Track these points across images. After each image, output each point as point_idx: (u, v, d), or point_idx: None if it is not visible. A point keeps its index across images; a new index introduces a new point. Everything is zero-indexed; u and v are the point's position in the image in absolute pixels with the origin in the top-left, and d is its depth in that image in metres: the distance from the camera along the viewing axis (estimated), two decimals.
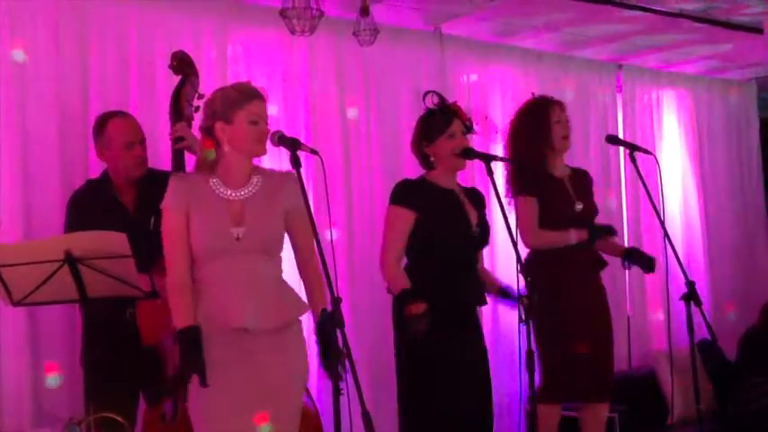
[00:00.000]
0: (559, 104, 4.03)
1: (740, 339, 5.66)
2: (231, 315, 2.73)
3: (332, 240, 2.78)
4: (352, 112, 4.73)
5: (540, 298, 3.78)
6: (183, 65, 3.41)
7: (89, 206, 3.41)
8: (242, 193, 2.84)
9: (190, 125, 3.33)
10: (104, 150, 3.46)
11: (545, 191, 3.92)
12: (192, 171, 3.04)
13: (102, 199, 3.43)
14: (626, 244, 5.54)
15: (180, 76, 3.41)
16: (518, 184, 3.95)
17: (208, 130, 2.84)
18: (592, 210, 4.05)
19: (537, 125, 3.95)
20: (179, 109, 3.35)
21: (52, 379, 3.62)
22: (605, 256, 4.11)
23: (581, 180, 4.10)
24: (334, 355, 2.61)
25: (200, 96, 3.22)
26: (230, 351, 2.72)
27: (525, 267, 3.91)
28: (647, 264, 3.95)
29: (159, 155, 3.71)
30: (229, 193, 2.83)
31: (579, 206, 3.97)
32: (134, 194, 3.43)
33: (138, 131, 3.47)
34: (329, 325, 2.59)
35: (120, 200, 3.44)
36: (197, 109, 3.20)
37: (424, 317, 3.35)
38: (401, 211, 3.52)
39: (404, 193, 3.55)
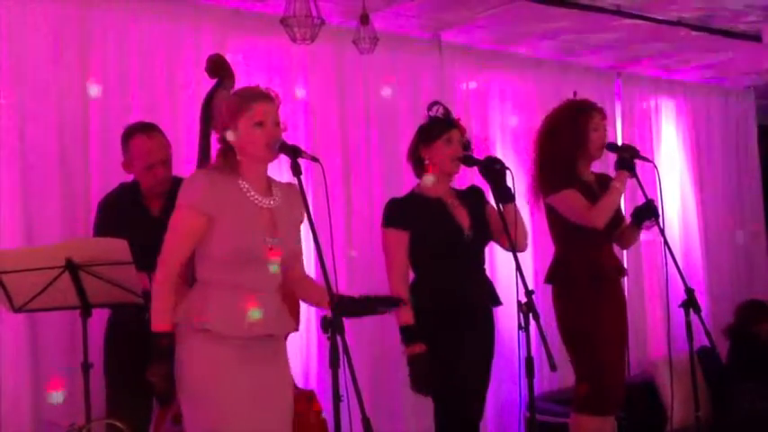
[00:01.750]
0: (600, 111, 3.86)
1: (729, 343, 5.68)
2: (255, 321, 2.70)
3: (332, 247, 2.77)
4: (351, 120, 4.74)
5: (572, 305, 3.77)
6: (217, 68, 3.36)
7: (117, 209, 3.44)
8: (270, 201, 2.79)
9: None
10: (128, 164, 3.47)
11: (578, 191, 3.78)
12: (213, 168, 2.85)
13: (131, 204, 3.44)
14: (624, 252, 5.55)
15: (215, 80, 3.34)
16: (555, 181, 3.79)
17: (222, 141, 2.77)
18: (620, 217, 3.93)
19: (574, 130, 3.80)
20: (211, 113, 3.26)
21: (55, 395, 3.61)
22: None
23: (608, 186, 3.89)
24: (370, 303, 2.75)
25: None
26: (240, 355, 2.70)
27: (554, 274, 3.90)
28: (651, 210, 3.71)
29: None
30: (260, 199, 2.77)
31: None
32: (161, 203, 3.41)
33: (161, 151, 3.43)
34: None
35: (148, 206, 3.45)
36: None
37: (423, 357, 3.36)
38: (394, 232, 3.52)
39: (393, 214, 3.54)
